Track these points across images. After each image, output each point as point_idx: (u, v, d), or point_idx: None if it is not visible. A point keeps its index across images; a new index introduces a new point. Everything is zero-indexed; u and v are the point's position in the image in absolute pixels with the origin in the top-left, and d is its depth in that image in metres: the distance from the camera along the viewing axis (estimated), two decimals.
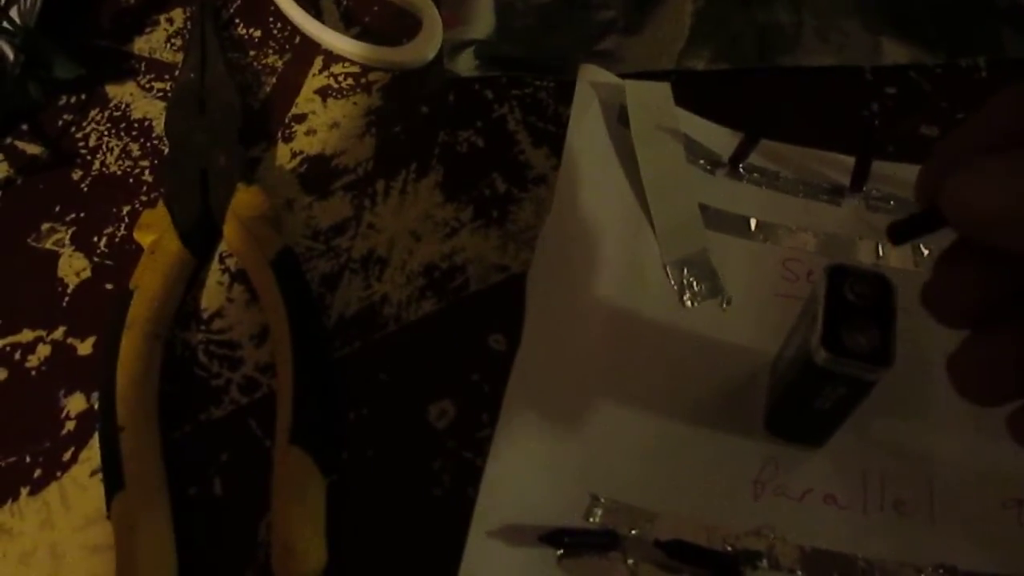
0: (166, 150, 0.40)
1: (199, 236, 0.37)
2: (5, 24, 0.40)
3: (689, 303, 0.35)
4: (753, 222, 0.37)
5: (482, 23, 0.44)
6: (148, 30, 0.45)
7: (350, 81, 0.42)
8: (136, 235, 0.37)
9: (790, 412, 0.32)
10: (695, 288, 0.36)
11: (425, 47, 0.42)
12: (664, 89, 0.39)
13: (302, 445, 0.31)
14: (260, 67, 0.43)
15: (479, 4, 0.45)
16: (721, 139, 0.39)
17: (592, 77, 0.39)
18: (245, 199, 0.37)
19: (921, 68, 0.42)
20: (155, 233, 0.36)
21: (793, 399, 0.31)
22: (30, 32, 0.40)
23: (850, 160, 0.38)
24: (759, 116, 0.40)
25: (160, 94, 0.42)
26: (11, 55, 0.40)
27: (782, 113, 0.41)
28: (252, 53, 0.44)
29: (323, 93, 0.42)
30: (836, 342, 0.27)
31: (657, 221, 0.36)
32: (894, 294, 0.27)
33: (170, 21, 0.45)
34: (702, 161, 0.38)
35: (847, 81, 0.42)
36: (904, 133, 0.40)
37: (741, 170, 0.39)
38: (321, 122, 0.41)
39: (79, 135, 0.41)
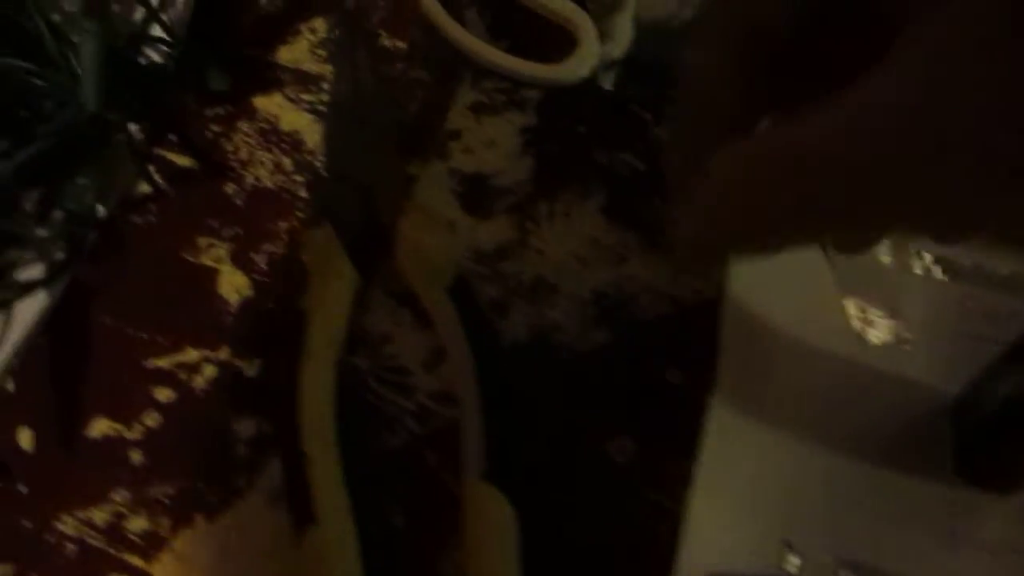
0: (319, 165, 0.39)
1: (365, 257, 0.36)
2: (159, 32, 0.40)
3: (870, 340, 0.34)
4: (928, 257, 0.36)
5: (627, 38, 0.43)
6: (291, 40, 0.44)
7: (502, 98, 0.41)
8: (303, 255, 0.36)
9: (989, 457, 0.31)
10: (873, 326, 0.35)
11: (581, 64, 0.41)
12: None
13: (495, 481, 0.30)
14: (409, 80, 0.42)
15: (623, 19, 0.43)
16: None
17: None
18: (415, 219, 0.36)
19: None
20: (322, 253, 0.36)
21: (996, 444, 0.30)
22: (186, 42, 0.40)
23: None
24: None
25: (307, 106, 0.42)
26: (165, 64, 0.40)
27: None
28: (399, 66, 0.43)
29: (476, 109, 0.41)
30: None
31: (837, 257, 0.35)
32: None
33: (312, 31, 0.44)
34: None
35: None
36: None
37: None
38: (476, 140, 0.40)
39: (229, 148, 0.40)
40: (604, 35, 0.43)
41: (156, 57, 0.40)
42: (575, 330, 0.35)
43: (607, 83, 0.41)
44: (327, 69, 0.43)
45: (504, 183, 0.39)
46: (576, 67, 0.41)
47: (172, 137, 0.41)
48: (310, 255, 0.36)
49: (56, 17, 0.38)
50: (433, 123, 0.41)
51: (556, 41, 0.43)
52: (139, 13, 0.41)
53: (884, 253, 0.36)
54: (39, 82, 0.36)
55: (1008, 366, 0.29)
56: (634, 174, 0.39)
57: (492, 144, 0.40)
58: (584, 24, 0.42)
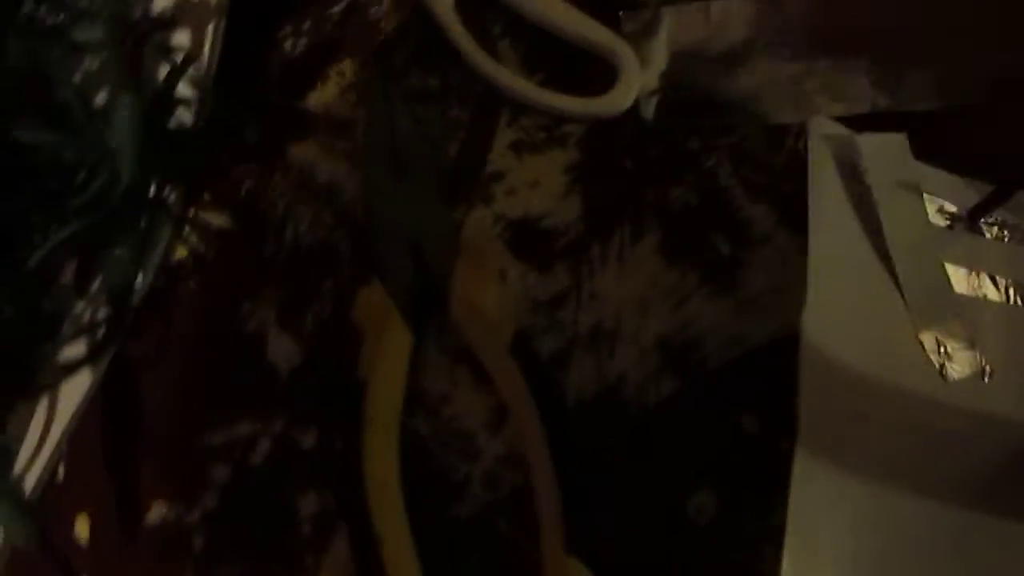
0: (361, 216, 0.38)
1: (419, 313, 0.35)
2: (186, 89, 0.38)
3: (948, 376, 0.33)
4: (1005, 283, 0.35)
5: (662, 64, 0.41)
6: (319, 84, 0.43)
7: (543, 134, 0.40)
8: (355, 316, 0.35)
9: None
10: (953, 359, 0.33)
11: (624, 96, 0.39)
12: (900, 142, 0.36)
13: (581, 555, 0.29)
14: (445, 121, 0.41)
15: (658, 44, 0.42)
16: (955, 190, 0.37)
17: (824, 131, 0.37)
18: (466, 271, 0.35)
19: None
20: (374, 312, 0.34)
21: None
22: (214, 95, 0.38)
23: None
24: (983, 159, 0.38)
25: (343, 154, 0.40)
26: (194, 121, 0.38)
27: (1008, 152, 0.38)
28: (433, 106, 0.41)
29: (517, 148, 0.40)
30: None
31: (907, 290, 0.34)
32: None
33: (341, 73, 0.43)
34: (942, 216, 0.36)
35: None
36: None
37: (981, 224, 0.36)
38: (520, 180, 0.39)
39: (266, 203, 0.39)
40: (644, 63, 0.41)
41: (185, 115, 0.38)
42: (640, 381, 0.34)
43: (648, 113, 0.40)
44: (360, 113, 0.41)
45: (553, 225, 0.37)
46: (619, 99, 0.40)
47: (207, 197, 0.39)
48: (361, 314, 0.35)
49: (80, 80, 0.37)
50: (474, 165, 0.39)
51: (594, 71, 0.41)
52: (163, 68, 0.39)
53: (958, 282, 0.35)
54: (68, 153, 0.35)
55: None
56: (687, 209, 0.38)
57: (536, 184, 0.39)
58: (624, 52, 0.40)
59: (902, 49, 0.40)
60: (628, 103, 0.40)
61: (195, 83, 0.39)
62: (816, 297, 0.33)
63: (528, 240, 0.37)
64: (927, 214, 0.36)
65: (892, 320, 0.34)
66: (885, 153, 0.36)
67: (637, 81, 0.40)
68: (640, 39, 0.42)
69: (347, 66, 0.43)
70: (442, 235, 0.36)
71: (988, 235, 0.36)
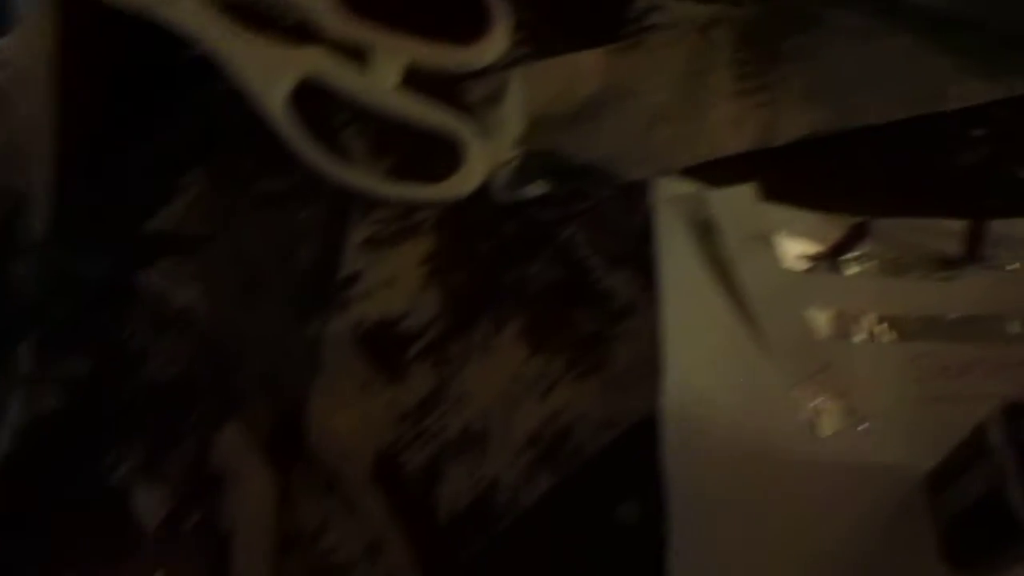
0: (217, 346, 0.37)
1: (281, 448, 0.34)
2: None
3: (820, 433, 0.32)
4: (869, 319, 0.34)
5: (515, 132, 0.40)
6: (165, 200, 0.41)
7: (395, 225, 0.39)
8: (216, 460, 0.33)
9: (972, 549, 0.29)
10: (824, 414, 0.33)
11: (470, 177, 0.38)
12: (749, 193, 0.35)
13: None
14: (294, 225, 0.39)
15: (507, 111, 0.41)
16: (815, 228, 0.36)
17: (669, 192, 0.36)
18: (324, 397, 0.34)
19: (1005, 102, 0.39)
20: (237, 455, 0.33)
21: (977, 539, 0.28)
22: (41, 249, 0.37)
23: (958, 225, 0.35)
24: (842, 190, 0.37)
25: (195, 275, 0.39)
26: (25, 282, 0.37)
27: (864, 185, 0.38)
28: (282, 210, 0.40)
29: (371, 244, 0.38)
30: None
31: (772, 347, 0.33)
32: None
33: (186, 188, 0.41)
34: (801, 260, 0.35)
35: (926, 132, 0.38)
36: (1007, 179, 0.37)
37: (843, 261, 0.35)
38: (376, 280, 0.38)
39: (120, 341, 0.38)
40: (490, 130, 0.40)
41: (21, 268, 0.37)
42: (514, 482, 0.33)
43: (499, 189, 0.39)
44: (209, 229, 0.40)
45: (413, 326, 0.36)
46: (466, 181, 0.38)
47: (60, 347, 0.38)
48: (222, 458, 0.33)
49: None
50: (328, 270, 0.38)
51: (445, 150, 0.40)
52: None
53: (823, 328, 0.34)
54: None
55: (972, 460, 0.27)
56: (547, 287, 0.37)
57: (393, 281, 0.38)
58: (467, 132, 0.39)
59: None
60: (475, 183, 0.39)
61: (29, 231, 0.38)
62: (675, 371, 0.32)
63: (389, 345, 0.36)
64: (783, 262, 0.35)
65: (759, 382, 0.33)
66: (734, 206, 0.35)
67: (482, 160, 0.39)
68: (487, 107, 0.41)
69: (191, 178, 0.42)
70: (298, 359, 0.35)
71: (851, 271, 0.35)
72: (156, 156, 0.42)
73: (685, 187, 0.36)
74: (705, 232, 0.35)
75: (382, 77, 0.39)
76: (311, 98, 0.41)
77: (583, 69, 0.42)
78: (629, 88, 0.41)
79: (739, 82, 0.41)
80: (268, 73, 0.39)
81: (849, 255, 0.35)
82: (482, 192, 0.39)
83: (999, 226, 0.35)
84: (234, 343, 0.36)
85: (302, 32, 0.41)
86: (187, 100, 0.41)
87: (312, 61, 0.39)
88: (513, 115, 0.41)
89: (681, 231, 0.35)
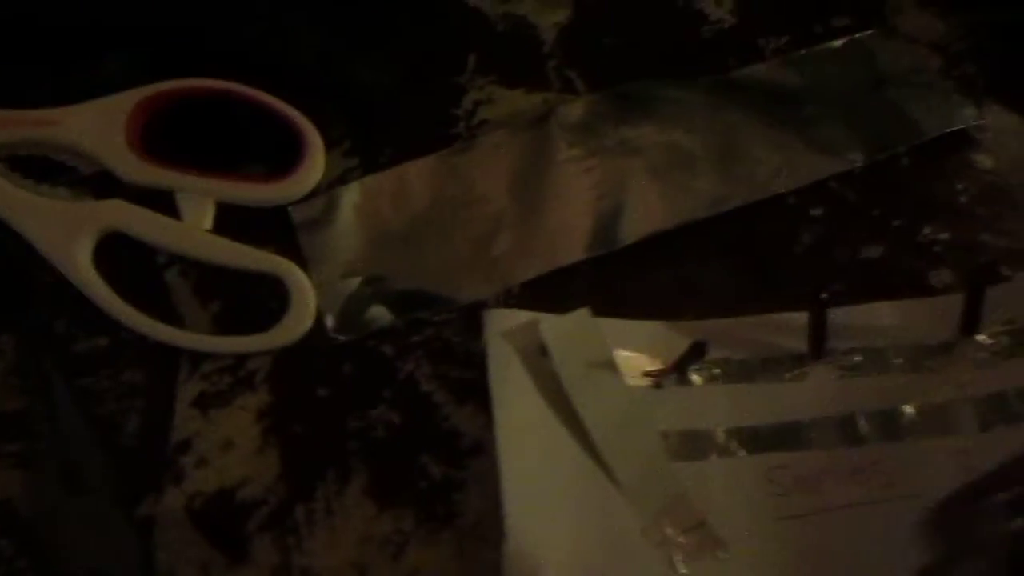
0: (42, 541, 0.34)
1: None
2: None
3: (681, 567, 0.31)
4: (720, 433, 0.33)
5: (346, 266, 0.38)
6: None
7: (227, 379, 0.36)
8: None
9: None
10: (683, 547, 0.31)
11: (300, 320, 0.36)
12: (583, 317, 0.34)
13: None
14: (118, 389, 0.37)
15: (340, 231, 0.39)
16: (658, 340, 0.35)
17: (501, 325, 0.34)
18: None
19: (840, 177, 0.38)
20: None
21: None
22: None
23: (800, 317, 0.34)
24: (682, 291, 0.36)
25: (16, 461, 0.36)
26: None
27: (706, 278, 0.37)
28: (104, 372, 0.37)
29: (202, 404, 0.36)
30: None
31: (623, 478, 0.32)
32: None
33: (1, 353, 0.38)
34: (645, 378, 0.34)
35: (768, 215, 0.38)
36: (846, 262, 0.37)
37: (690, 371, 0.34)
38: (210, 445, 0.35)
39: None
40: (320, 255, 0.38)
41: None
42: None
43: (336, 324, 0.37)
44: (25, 401, 0.37)
45: (252, 494, 0.34)
46: (296, 325, 0.36)
47: None
48: None
49: None
50: (157, 440, 0.36)
51: (276, 291, 0.37)
52: None
53: (675, 449, 0.33)
54: None
55: None
56: (391, 431, 0.35)
57: (229, 445, 0.35)
58: (291, 273, 0.37)
59: None
60: (306, 326, 0.36)
61: None
62: (516, 518, 0.31)
63: (227, 519, 0.34)
64: (627, 380, 0.33)
65: (611, 523, 0.31)
66: (569, 333, 0.34)
67: (311, 299, 0.36)
68: (315, 229, 0.39)
69: (6, 344, 0.38)
70: (128, 548, 0.32)
71: (699, 381, 0.34)
72: None
73: (519, 317, 0.34)
74: (541, 363, 0.33)
75: (192, 222, 0.37)
76: (124, 247, 0.38)
77: (414, 179, 0.40)
78: (463, 199, 0.39)
79: (577, 179, 0.39)
80: (68, 233, 0.36)
81: (694, 366, 0.34)
82: (317, 331, 0.37)
83: (838, 316, 0.34)
84: (57, 549, 0.33)
85: (104, 181, 0.38)
86: None
87: (113, 215, 0.36)
88: (349, 235, 0.39)
89: (517, 364, 0.33)
